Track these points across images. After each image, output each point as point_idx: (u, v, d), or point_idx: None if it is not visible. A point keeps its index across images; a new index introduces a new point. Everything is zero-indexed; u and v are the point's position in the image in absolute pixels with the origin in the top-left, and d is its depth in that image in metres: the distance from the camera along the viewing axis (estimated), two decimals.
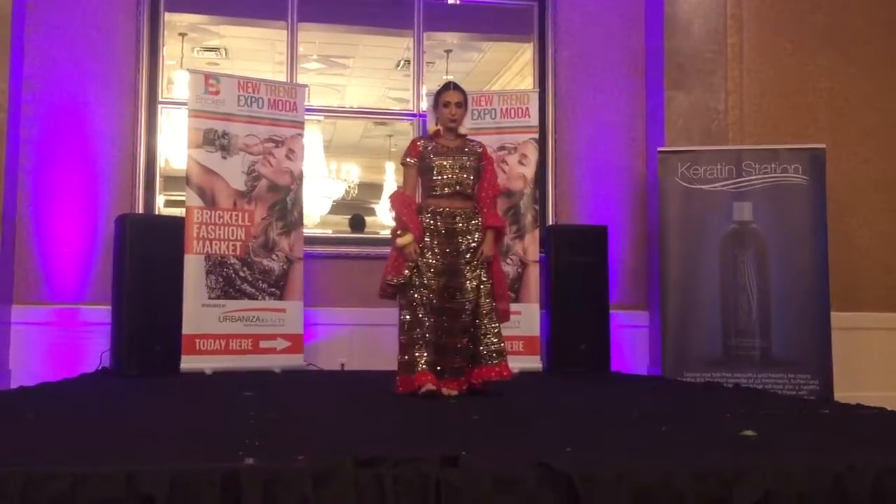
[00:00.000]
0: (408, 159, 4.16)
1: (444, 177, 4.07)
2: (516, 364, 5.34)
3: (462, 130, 4.22)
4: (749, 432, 2.74)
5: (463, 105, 4.17)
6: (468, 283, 4.01)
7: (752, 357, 5.43)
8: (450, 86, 4.22)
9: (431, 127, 4.37)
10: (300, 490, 1.86)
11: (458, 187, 4.08)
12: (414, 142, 4.25)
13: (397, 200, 4.15)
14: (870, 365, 5.86)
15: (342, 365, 5.67)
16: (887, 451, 2.41)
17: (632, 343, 6.09)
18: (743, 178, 5.56)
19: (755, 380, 5.27)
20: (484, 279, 4.05)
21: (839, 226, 5.80)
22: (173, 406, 3.67)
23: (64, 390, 4.19)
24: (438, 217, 4.06)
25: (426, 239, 4.02)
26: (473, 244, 4.06)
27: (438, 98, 4.20)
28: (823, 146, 5.55)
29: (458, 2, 6.45)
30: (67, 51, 5.72)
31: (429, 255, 4.01)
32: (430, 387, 3.85)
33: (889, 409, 3.51)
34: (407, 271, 3.98)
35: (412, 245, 3.97)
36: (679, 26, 6.13)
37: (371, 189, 9.84)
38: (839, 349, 5.43)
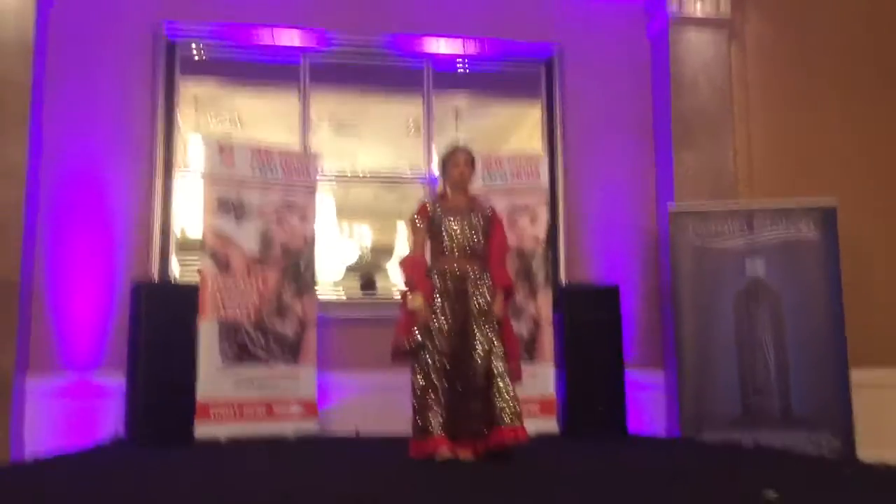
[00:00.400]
0: (417, 222, 4.19)
1: (454, 238, 4.09)
2: (532, 426, 5.29)
3: (471, 191, 4.26)
4: (772, 494, 2.69)
5: (471, 164, 4.21)
6: (480, 346, 3.98)
7: (772, 415, 5.36)
8: (458, 146, 4.29)
9: (440, 188, 4.40)
10: None
11: (468, 249, 4.09)
12: (423, 204, 4.27)
13: (408, 263, 4.16)
14: (892, 423, 5.75)
15: (357, 431, 5.61)
16: None
17: (648, 403, 6.01)
18: (755, 235, 5.57)
19: (775, 438, 5.19)
20: (496, 340, 4.02)
21: (855, 281, 5.76)
22: (190, 477, 3.64)
23: (79, 463, 4.16)
24: (448, 279, 4.06)
25: (437, 301, 4.02)
26: (484, 305, 4.04)
27: (447, 159, 4.25)
28: (835, 204, 5.56)
29: (466, 70, 6.57)
30: (85, 121, 5.83)
31: (440, 317, 4.00)
32: (446, 454, 3.81)
33: None
34: (418, 334, 3.97)
35: (423, 307, 3.97)
36: (685, 86, 6.22)
37: (384, 252, 9.87)
38: (861, 406, 5.35)
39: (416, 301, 3.98)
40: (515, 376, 4.08)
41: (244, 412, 5.31)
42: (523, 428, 3.93)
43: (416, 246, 4.20)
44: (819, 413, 5.31)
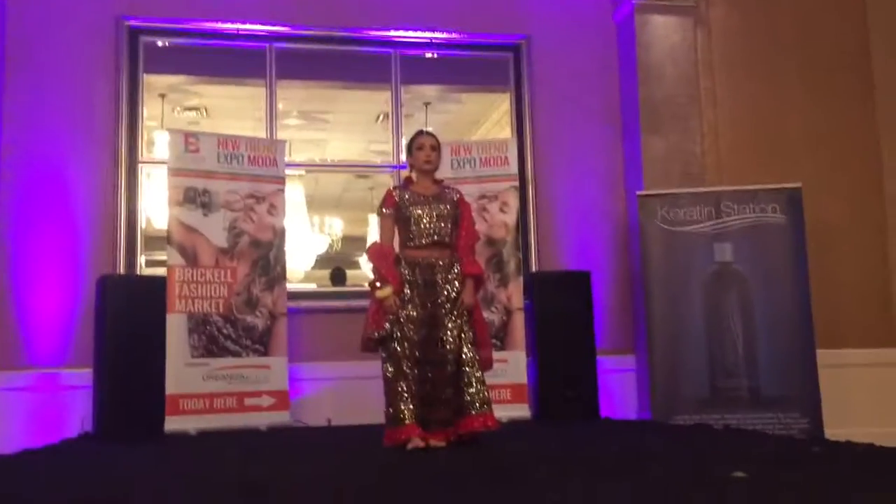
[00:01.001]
0: (384, 210, 4.15)
1: (422, 227, 4.06)
2: (504, 413, 5.32)
3: (438, 176, 4.24)
4: (740, 474, 2.72)
5: (437, 149, 4.19)
6: (450, 334, 3.97)
7: (741, 397, 5.42)
8: (422, 132, 4.28)
9: (406, 174, 4.36)
10: None
11: (436, 237, 4.07)
12: (389, 192, 4.23)
13: (375, 253, 4.14)
14: (857, 401, 5.85)
15: (329, 420, 5.60)
16: (878, 488, 2.39)
17: (620, 387, 6.06)
18: (722, 220, 5.61)
19: (745, 420, 5.25)
20: (465, 329, 4.01)
21: (820, 263, 5.84)
22: (157, 470, 3.60)
23: (45, 458, 4.10)
24: (417, 268, 4.04)
25: (406, 291, 4.00)
26: (454, 294, 4.03)
27: (412, 144, 4.23)
28: (799, 185, 5.62)
29: (435, 56, 6.54)
30: (46, 114, 5.74)
31: (409, 306, 3.98)
32: (418, 443, 3.81)
33: (878, 445, 3.50)
34: (388, 324, 3.95)
35: (392, 297, 3.95)
36: (652, 72, 6.25)
37: (354, 242, 9.85)
38: (827, 386, 5.43)
39: (385, 291, 3.96)
40: (486, 364, 4.08)
41: (215, 405, 5.26)
42: (492, 415, 3.94)
43: (383, 234, 4.17)
44: (787, 394, 5.38)
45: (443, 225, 4.08)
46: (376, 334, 3.97)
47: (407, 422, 3.86)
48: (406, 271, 4.03)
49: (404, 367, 3.92)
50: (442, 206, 4.11)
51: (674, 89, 6.23)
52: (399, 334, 3.95)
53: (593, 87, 6.46)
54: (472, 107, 8.16)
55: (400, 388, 3.90)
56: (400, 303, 3.97)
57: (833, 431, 4.98)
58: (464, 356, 3.96)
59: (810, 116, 6.34)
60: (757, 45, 6.42)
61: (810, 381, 5.38)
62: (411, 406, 3.88)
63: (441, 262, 4.06)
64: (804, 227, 5.55)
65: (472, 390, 3.92)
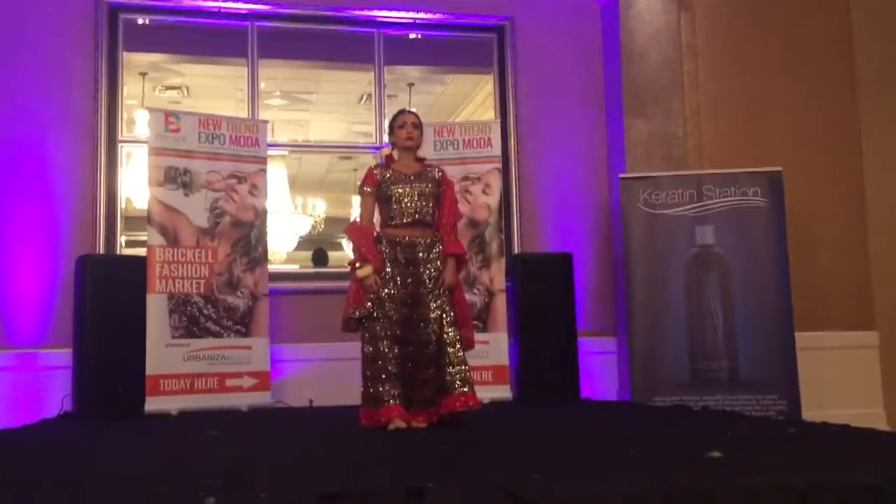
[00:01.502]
0: (365, 188, 4.13)
1: (403, 205, 4.03)
2: (486, 394, 5.34)
3: (420, 154, 4.22)
4: (716, 453, 2.75)
5: (419, 126, 4.17)
6: (431, 314, 3.97)
7: (720, 379, 5.46)
8: (404, 110, 4.26)
9: (387, 152, 4.31)
10: None
11: (417, 216, 4.05)
12: (371, 170, 4.20)
13: (354, 231, 4.12)
14: (834, 384, 5.92)
15: (310, 401, 5.60)
16: (851, 468, 2.42)
17: (601, 369, 6.10)
18: (704, 203, 5.64)
19: (724, 402, 5.30)
20: (447, 308, 4.00)
21: (800, 246, 5.89)
22: (136, 449, 3.59)
23: (24, 437, 4.08)
24: (398, 247, 4.02)
25: (387, 270, 3.98)
26: (435, 273, 4.02)
27: (394, 122, 4.21)
28: (780, 169, 5.65)
29: (418, 36, 6.50)
30: (24, 92, 5.67)
31: (390, 286, 3.97)
32: (400, 424, 3.81)
33: (853, 426, 3.55)
34: (369, 303, 3.95)
35: (372, 276, 3.94)
36: (635, 55, 6.24)
37: (338, 223, 9.81)
38: (805, 369, 5.48)
39: (365, 270, 3.95)
40: (468, 344, 4.09)
41: (195, 385, 5.25)
42: (474, 395, 3.94)
43: (364, 213, 4.15)
44: (766, 376, 5.42)
45: (424, 204, 4.06)
46: (356, 313, 3.96)
47: (389, 402, 3.86)
48: (387, 250, 4.01)
49: (384, 347, 3.91)
50: (424, 185, 4.08)
51: (657, 72, 6.23)
52: (380, 314, 3.94)
53: (577, 70, 6.45)
54: (456, 88, 8.13)
55: (379, 368, 3.89)
56: (381, 282, 3.96)
57: (810, 413, 5.04)
58: (445, 336, 3.96)
59: (792, 101, 6.37)
60: (741, 30, 6.43)
61: (789, 364, 5.43)
62: (390, 386, 3.87)
63: (423, 241, 4.04)
64: (785, 211, 5.58)
65: (453, 370, 3.92)
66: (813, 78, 6.43)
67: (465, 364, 3.98)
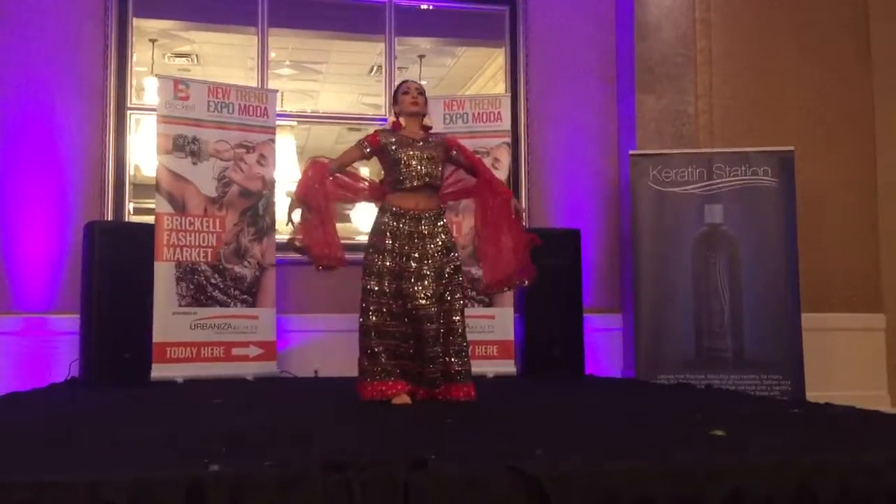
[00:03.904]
0: (364, 144, 4.02)
1: (412, 168, 3.92)
2: (491, 368, 5.38)
3: (427, 122, 4.12)
4: (719, 432, 2.75)
5: (423, 93, 4.10)
6: (434, 290, 3.83)
7: (725, 358, 5.46)
8: (406, 81, 4.22)
9: (392, 119, 4.18)
10: (266, 496, 1.84)
11: (427, 178, 3.94)
12: (375, 131, 4.09)
13: (309, 165, 4.08)
14: (840, 365, 5.91)
15: (316, 372, 5.63)
16: (854, 449, 2.43)
17: (606, 346, 6.10)
18: (713, 181, 5.60)
19: (728, 381, 5.31)
20: (456, 293, 3.91)
21: (809, 227, 5.85)
22: (141, 415, 3.62)
23: (31, 400, 4.12)
24: (402, 220, 3.92)
25: (386, 241, 3.89)
26: (440, 248, 3.93)
27: (398, 91, 4.15)
28: (792, 148, 5.61)
29: (430, 7, 6.44)
30: (34, 58, 5.65)
31: (387, 258, 3.87)
32: (405, 399, 3.79)
33: (857, 407, 3.55)
34: (302, 239, 3.96)
35: (295, 204, 3.92)
36: (649, 31, 6.17)
37: None
38: (810, 350, 5.47)
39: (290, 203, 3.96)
40: (527, 275, 4.15)
41: (202, 354, 5.28)
42: (473, 386, 3.90)
43: (339, 157, 4.08)
44: (771, 356, 5.42)
45: (433, 168, 3.96)
46: (297, 243, 3.97)
47: (387, 377, 3.82)
48: (390, 220, 3.92)
49: (376, 318, 3.83)
50: (431, 150, 4.00)
51: (670, 48, 6.17)
52: (377, 287, 3.85)
53: (589, 45, 6.39)
54: (467, 60, 8.07)
55: (375, 342, 3.83)
56: (380, 255, 3.88)
57: (815, 394, 5.04)
58: (452, 323, 3.88)
59: (806, 80, 6.29)
60: (755, 6, 6.34)
61: (794, 344, 5.42)
62: (383, 359, 3.81)
63: (428, 214, 3.96)
64: (795, 191, 5.55)
65: (459, 360, 3.87)
66: (827, 58, 6.35)
67: (468, 356, 3.93)
